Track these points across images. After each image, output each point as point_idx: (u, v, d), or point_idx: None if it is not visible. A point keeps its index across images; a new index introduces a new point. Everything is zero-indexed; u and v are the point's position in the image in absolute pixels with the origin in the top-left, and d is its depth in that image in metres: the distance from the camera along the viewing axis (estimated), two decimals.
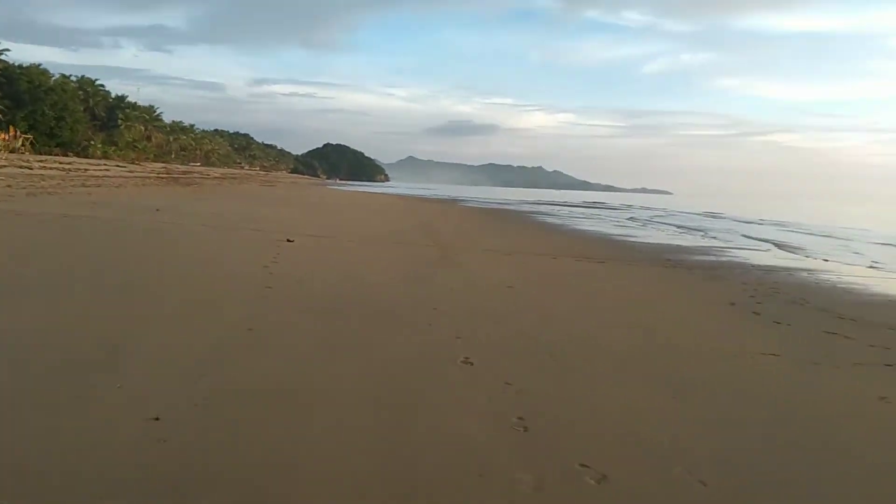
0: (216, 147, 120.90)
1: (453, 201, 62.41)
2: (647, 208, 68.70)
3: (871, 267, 19.23)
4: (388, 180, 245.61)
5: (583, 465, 3.80)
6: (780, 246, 25.47)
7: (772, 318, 9.21)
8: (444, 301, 8.87)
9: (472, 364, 5.74)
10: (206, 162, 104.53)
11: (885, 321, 9.66)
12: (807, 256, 21.57)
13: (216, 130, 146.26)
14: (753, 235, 31.33)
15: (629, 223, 38.75)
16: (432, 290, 9.83)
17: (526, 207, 56.16)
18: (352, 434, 4.12)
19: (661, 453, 4.10)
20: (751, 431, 4.66)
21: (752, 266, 17.29)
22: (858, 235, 34.38)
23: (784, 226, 42.01)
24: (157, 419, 3.99)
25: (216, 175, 79.20)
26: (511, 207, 55.01)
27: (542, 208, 55.67)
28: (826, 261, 20.18)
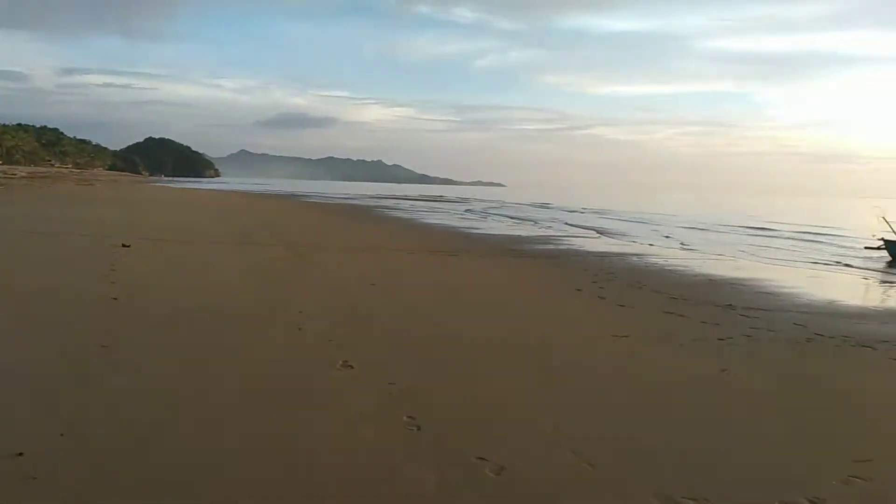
0: (20, 143, 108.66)
1: (295, 197, 60.91)
2: (483, 201, 71.46)
3: (682, 248, 21.50)
4: (218, 176, 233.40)
5: (480, 458, 3.91)
6: (603, 232, 27.67)
7: (616, 302, 9.97)
8: (309, 303, 8.68)
9: (351, 367, 5.67)
10: (9, 160, 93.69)
11: (709, 299, 10.80)
12: (632, 241, 23.61)
13: (20, 125, 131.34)
14: (579, 223, 33.82)
15: (470, 216, 40.09)
16: (293, 292, 9.57)
17: (370, 202, 56.14)
18: (243, 450, 3.93)
19: (548, 439, 4.31)
20: (621, 409, 5.03)
21: (588, 252, 18.59)
22: (667, 220, 38.30)
23: (604, 214, 45.66)
24: (20, 455, 3.55)
25: (23, 175, 71.28)
26: (355, 202, 54.72)
27: (387, 203, 55.93)
28: (651, 245, 22.21)
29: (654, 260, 17.06)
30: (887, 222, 20.60)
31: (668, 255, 18.76)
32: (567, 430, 4.52)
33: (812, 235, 29.03)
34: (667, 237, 26.21)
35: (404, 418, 4.51)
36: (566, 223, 33.96)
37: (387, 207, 46.43)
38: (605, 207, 55.61)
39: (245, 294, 9.21)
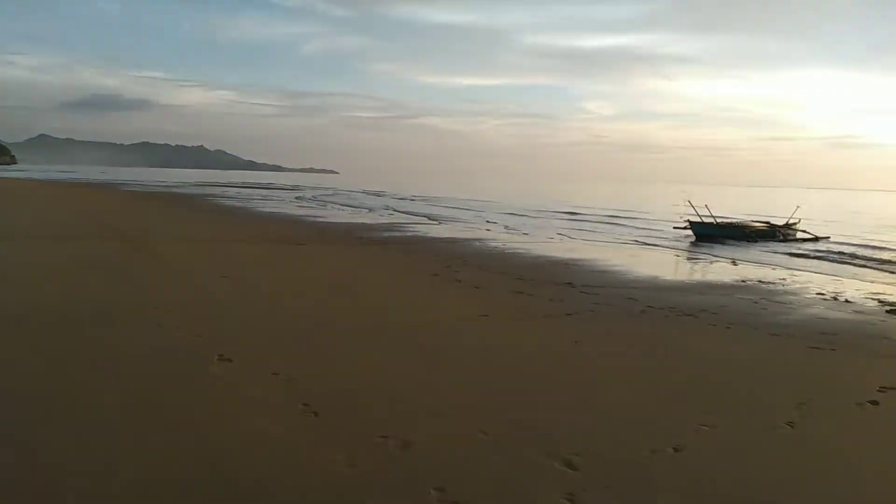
0: None
1: (110, 186, 56.13)
2: (316, 188, 70.61)
3: (509, 232, 22.82)
4: (14, 163, 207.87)
5: (383, 437, 4.05)
6: (435, 219, 28.61)
7: (472, 285, 10.46)
8: (161, 298, 8.24)
9: (230, 360, 5.53)
10: None
11: (551, 279, 11.66)
12: (471, 227, 24.62)
13: None
14: (412, 210, 34.69)
15: (309, 204, 39.45)
16: (141, 288, 9.02)
17: (195, 190, 53.23)
18: (138, 449, 3.76)
19: (440, 413, 4.55)
20: (500, 381, 5.39)
21: (435, 239, 19.16)
22: (489, 206, 40.53)
23: (434, 201, 47.07)
24: None
25: None
26: (181, 191, 51.60)
27: (213, 190, 53.33)
28: (488, 230, 23.32)
29: (494, 244, 17.97)
30: (692, 206, 23.27)
31: (506, 239, 19.83)
32: (456, 403, 4.79)
33: (618, 219, 32.02)
34: (492, 222, 27.72)
35: (300, 406, 4.53)
36: (400, 211, 34.67)
37: (215, 196, 44.31)
38: (434, 195, 57.42)
39: (89, 293, 8.52)
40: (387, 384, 5.16)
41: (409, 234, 20.59)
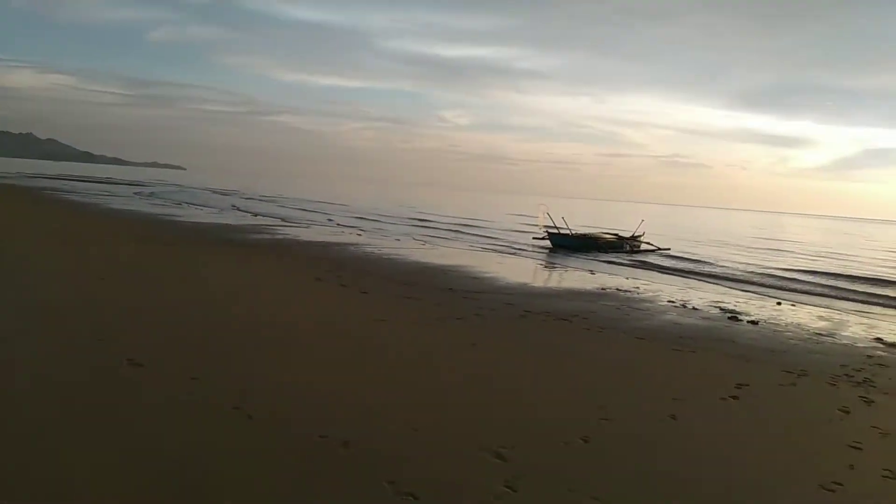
0: None
1: None
2: (159, 184, 66.97)
3: (381, 237, 23.13)
4: None
5: (322, 437, 4.21)
6: (287, 220, 28.29)
7: (359, 289, 10.63)
8: (39, 303, 7.70)
9: (141, 365, 5.38)
10: None
11: (433, 284, 12.10)
12: (338, 231, 24.61)
13: None
14: (261, 211, 33.98)
15: (160, 202, 37.31)
16: (11, 290, 8.35)
17: (28, 182, 48.44)
18: (88, 464, 3.65)
19: (370, 411, 4.76)
20: (417, 381, 5.68)
21: (308, 242, 19.01)
22: (340, 210, 40.62)
23: (283, 202, 46.38)
24: None
25: None
26: (7, 181, 46.75)
27: (44, 183, 48.81)
28: (360, 234, 23.44)
29: (370, 249, 18.16)
30: (550, 217, 24.78)
31: (380, 244, 20.07)
32: (383, 403, 5.02)
33: (467, 227, 32.76)
34: (339, 226, 27.92)
35: (230, 409, 4.56)
36: (244, 210, 33.84)
37: (53, 189, 40.66)
38: (286, 195, 56.61)
39: None
40: (307, 386, 5.28)
41: (278, 236, 20.24)
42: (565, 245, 23.62)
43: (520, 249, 22.98)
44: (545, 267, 18.55)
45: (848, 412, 5.72)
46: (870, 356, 8.40)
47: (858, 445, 4.83)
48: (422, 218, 37.64)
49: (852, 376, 7.11)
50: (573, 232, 24.86)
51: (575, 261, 19.74)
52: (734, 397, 5.94)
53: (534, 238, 25.93)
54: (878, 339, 9.79)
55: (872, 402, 6.09)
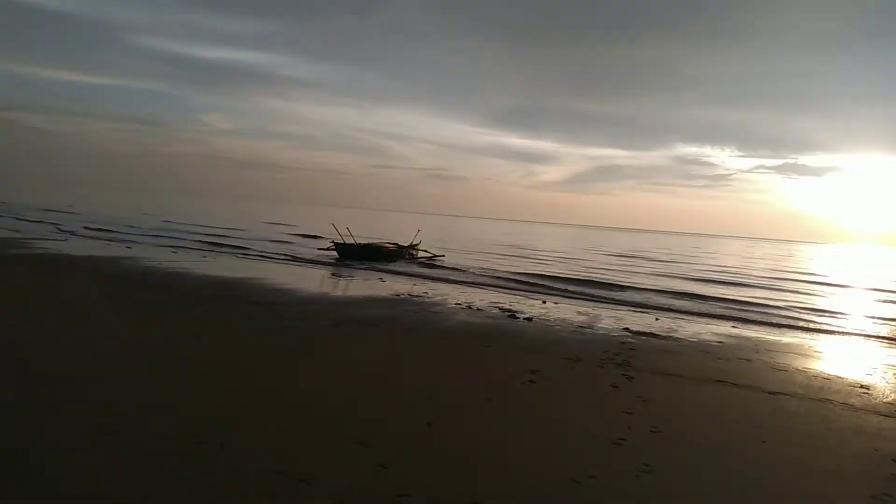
0: None
1: None
2: None
3: (163, 250, 22.02)
4: None
5: (198, 442, 4.49)
6: (19, 230, 25.40)
7: (161, 308, 10.37)
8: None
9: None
10: None
11: (236, 296, 12.13)
12: (109, 245, 22.83)
13: None
14: None
15: None
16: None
17: None
18: None
19: (242, 419, 5.09)
20: (268, 393, 6.04)
21: (74, 257, 17.48)
22: (70, 218, 36.22)
23: (16, 212, 41.10)
24: None
25: None
26: None
27: None
28: (129, 248, 21.95)
29: (151, 263, 17.28)
30: (336, 229, 25.39)
31: (161, 258, 19.09)
32: (243, 414, 5.34)
33: (219, 238, 30.53)
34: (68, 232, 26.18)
35: (93, 427, 4.60)
36: None
37: None
38: (18, 202, 50.51)
39: None
40: (160, 402, 5.40)
41: (37, 251, 18.32)
42: (351, 255, 24.37)
43: (309, 260, 23.27)
44: (338, 276, 19.09)
45: (617, 387, 7.21)
46: (623, 342, 10.32)
47: (630, 411, 6.23)
48: (174, 228, 34.99)
49: (613, 359, 8.80)
50: (358, 242, 25.74)
51: (363, 270, 20.57)
52: (532, 381, 7.15)
53: (319, 249, 26.36)
54: (626, 329, 11.96)
55: (632, 378, 7.70)
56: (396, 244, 27.96)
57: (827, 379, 8.50)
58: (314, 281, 17.01)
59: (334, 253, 24.82)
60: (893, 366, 10.28)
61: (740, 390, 7.44)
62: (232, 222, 46.86)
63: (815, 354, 10.89)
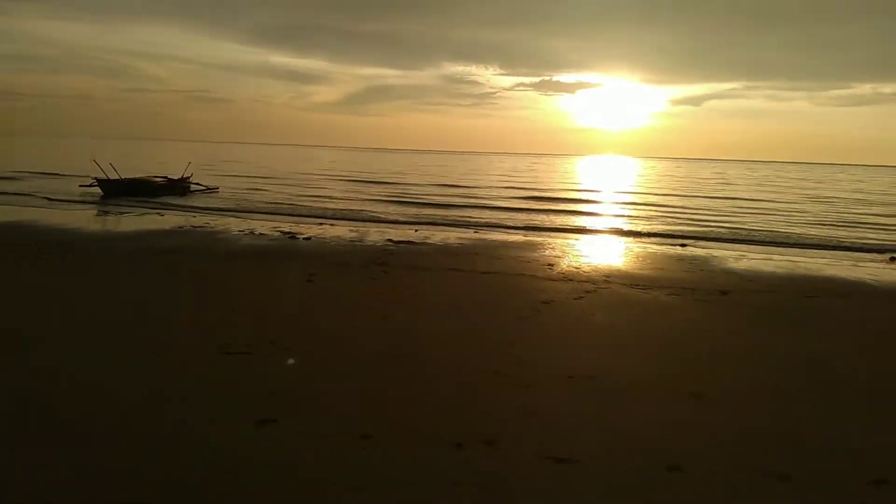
0: None
1: None
2: None
3: None
4: None
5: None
6: None
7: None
8: None
9: None
10: None
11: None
12: None
13: None
14: None
15: None
16: None
17: None
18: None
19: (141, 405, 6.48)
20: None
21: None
22: None
23: None
24: None
25: None
26: None
27: None
28: None
29: None
30: (98, 165, 24.56)
31: None
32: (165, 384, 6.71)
33: None
34: None
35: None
36: None
37: None
38: None
39: None
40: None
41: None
42: (118, 192, 23.91)
43: (66, 200, 22.40)
44: (109, 214, 19.08)
45: (375, 279, 9.55)
46: (385, 250, 12.75)
47: (383, 292, 8.58)
48: None
49: (375, 261, 11.14)
50: (123, 178, 25.16)
51: (134, 206, 20.60)
52: (310, 281, 9.19)
53: (80, 185, 25.31)
54: (389, 240, 14.44)
55: (387, 272, 10.09)
56: (166, 178, 27.62)
57: (528, 262, 11.67)
58: (87, 220, 17.13)
59: (97, 190, 24.09)
60: (580, 251, 13.96)
61: (462, 273, 10.21)
62: None
63: (532, 247, 14.25)
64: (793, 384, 5.46)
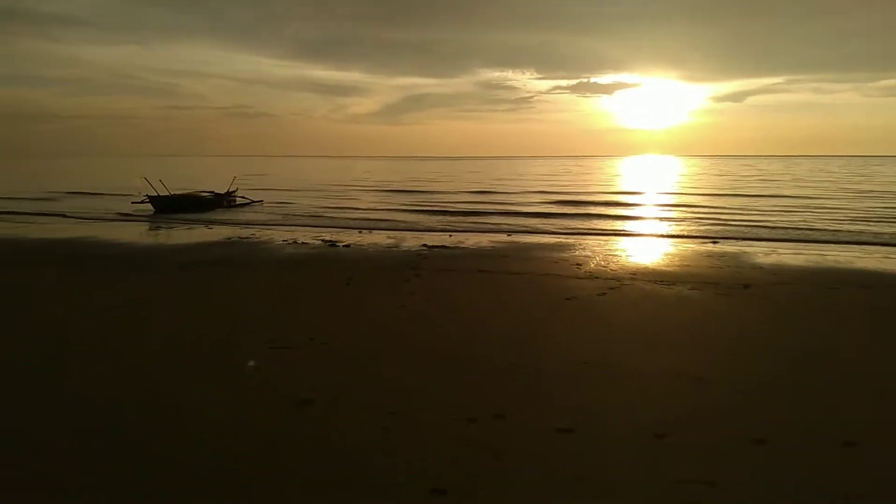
0: None
1: None
2: None
3: None
4: None
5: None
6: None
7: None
8: None
9: None
10: None
11: (88, 253, 13.44)
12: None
13: None
14: None
15: None
16: None
17: None
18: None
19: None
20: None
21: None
22: None
23: None
24: None
25: None
26: None
27: None
28: None
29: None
30: (149, 182, 25.87)
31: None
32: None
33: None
34: None
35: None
36: None
37: None
38: None
39: None
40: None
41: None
42: (168, 207, 25.12)
43: (126, 215, 23.81)
44: (163, 228, 20.22)
45: (408, 280, 10.13)
46: (419, 254, 13.35)
47: (413, 293, 9.16)
48: None
49: (409, 265, 11.74)
50: (172, 193, 26.42)
51: (185, 220, 21.75)
52: (348, 284, 9.83)
53: (133, 202, 26.64)
54: (425, 245, 15.05)
55: (419, 275, 10.68)
56: (213, 192, 28.86)
57: (556, 262, 12.12)
58: (139, 234, 18.19)
59: (149, 207, 25.35)
60: (609, 251, 14.33)
61: (493, 274, 10.73)
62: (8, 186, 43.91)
63: (562, 248, 14.67)
64: (793, 370, 5.83)
